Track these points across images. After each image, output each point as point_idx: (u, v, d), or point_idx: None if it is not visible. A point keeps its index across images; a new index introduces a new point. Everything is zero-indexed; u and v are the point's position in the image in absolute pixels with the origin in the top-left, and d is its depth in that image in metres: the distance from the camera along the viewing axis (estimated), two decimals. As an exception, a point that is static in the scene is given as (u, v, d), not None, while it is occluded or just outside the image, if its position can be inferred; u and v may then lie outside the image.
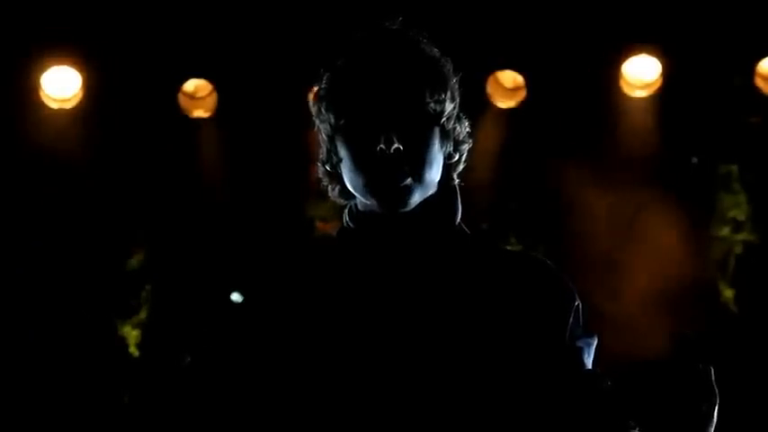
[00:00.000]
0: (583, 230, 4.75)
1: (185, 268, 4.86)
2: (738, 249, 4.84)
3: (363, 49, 1.79)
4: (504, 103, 4.68)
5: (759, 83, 4.60)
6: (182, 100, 4.73)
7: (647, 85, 4.61)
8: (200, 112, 4.74)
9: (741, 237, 4.84)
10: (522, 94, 4.65)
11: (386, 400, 1.74)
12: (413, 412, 1.74)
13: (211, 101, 4.72)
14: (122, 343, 4.85)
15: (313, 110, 1.82)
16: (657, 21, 4.58)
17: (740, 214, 4.84)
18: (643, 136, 4.73)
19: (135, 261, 4.88)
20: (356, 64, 1.78)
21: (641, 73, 4.60)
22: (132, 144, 4.79)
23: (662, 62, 4.60)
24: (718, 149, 4.80)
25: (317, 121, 1.83)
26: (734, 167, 4.80)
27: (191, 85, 4.73)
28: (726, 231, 4.84)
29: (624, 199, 4.78)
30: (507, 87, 4.68)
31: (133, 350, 4.84)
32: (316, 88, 1.82)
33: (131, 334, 4.85)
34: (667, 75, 4.62)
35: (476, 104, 4.58)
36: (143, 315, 4.87)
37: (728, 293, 4.86)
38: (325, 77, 1.81)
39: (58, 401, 4.82)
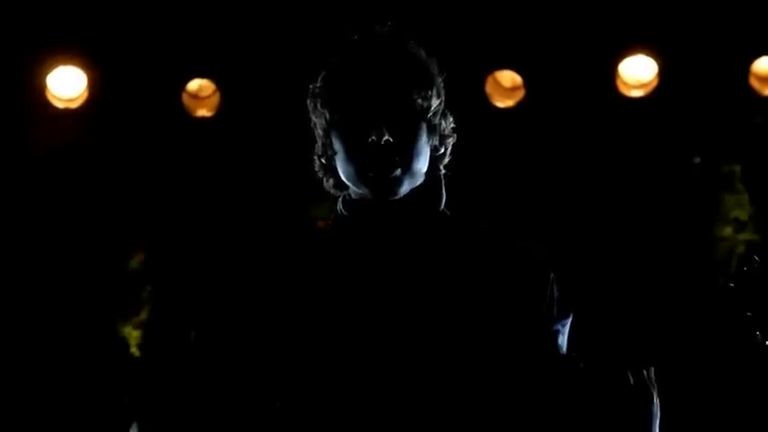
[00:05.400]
0: (582, 229, 4.90)
1: (186, 269, 4.94)
2: (741, 249, 4.96)
3: (356, 50, 2.05)
4: (503, 102, 4.87)
5: (753, 83, 4.77)
6: (185, 99, 4.88)
7: (643, 85, 4.78)
8: (203, 112, 4.90)
9: (744, 237, 4.98)
10: (520, 94, 4.83)
11: (371, 375, 1.99)
12: (397, 390, 1.99)
13: (214, 100, 4.89)
14: (123, 343, 4.99)
15: (309, 106, 2.08)
16: (655, 20, 4.74)
17: (743, 214, 4.98)
18: (644, 135, 4.88)
19: (136, 261, 5.02)
20: (349, 64, 2.04)
21: (638, 73, 4.77)
22: (136, 143, 4.91)
23: (658, 62, 4.76)
24: (720, 149, 4.91)
25: (313, 117, 2.08)
26: (737, 167, 4.94)
27: (194, 84, 4.89)
28: (728, 231, 4.97)
29: (624, 197, 4.94)
30: (506, 87, 4.86)
31: (134, 350, 4.98)
32: (311, 86, 2.08)
33: (132, 334, 5.00)
34: (665, 74, 4.78)
35: (474, 104, 4.76)
36: (144, 315, 5.01)
37: (731, 294, 5.10)
38: (320, 76, 2.07)
39: (59, 402, 4.93)
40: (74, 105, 4.89)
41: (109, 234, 5.02)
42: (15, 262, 5.01)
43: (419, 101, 2.04)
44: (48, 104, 4.89)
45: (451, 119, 2.12)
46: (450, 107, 2.14)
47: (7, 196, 5.00)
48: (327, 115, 2.06)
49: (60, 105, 4.90)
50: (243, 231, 4.94)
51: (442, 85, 2.09)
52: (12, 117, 4.92)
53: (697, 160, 5.00)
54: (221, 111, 4.94)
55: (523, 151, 4.93)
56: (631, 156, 4.95)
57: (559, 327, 2.09)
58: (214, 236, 4.97)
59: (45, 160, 4.99)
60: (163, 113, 4.93)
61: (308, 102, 2.10)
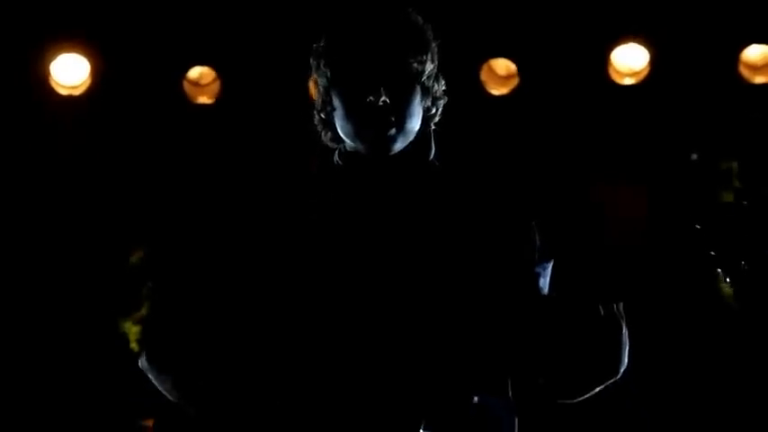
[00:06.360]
0: (576, 219, 4.99)
1: (187, 264, 5.24)
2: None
3: (357, 14, 2.22)
4: (498, 90, 4.99)
5: (743, 71, 4.87)
6: (186, 87, 4.99)
7: (635, 73, 4.89)
8: (203, 99, 5.02)
9: (740, 232, 5.19)
10: (514, 82, 4.95)
11: (360, 316, 2.15)
12: (385, 329, 2.14)
13: (215, 88, 5.00)
14: (123, 339, 5.05)
15: (312, 65, 2.24)
16: (646, 9, 4.84)
17: (740, 210, 5.23)
18: (636, 123, 4.98)
19: (136, 257, 5.09)
20: (350, 28, 2.20)
21: (630, 61, 4.88)
22: (137, 130, 5.00)
23: (650, 50, 4.87)
24: (717, 145, 4.97)
25: (316, 75, 2.24)
26: (734, 164, 4.97)
27: (195, 72, 5.00)
28: (725, 227, 5.19)
29: (620, 189, 5.04)
30: (500, 75, 4.98)
31: (134, 346, 5.03)
32: (315, 46, 2.24)
33: (132, 330, 5.06)
34: (657, 63, 4.88)
35: (470, 92, 4.87)
36: (144, 311, 5.06)
37: (729, 290, 5.18)
38: (323, 38, 2.23)
39: (60, 397, 5.01)
40: (77, 92, 5.01)
41: (109, 225, 5.11)
42: (15, 255, 5.09)
43: (414, 65, 2.20)
44: (51, 92, 5.00)
45: (443, 81, 2.28)
46: (446, 95, 2.29)
47: (9, 186, 5.10)
48: (329, 74, 2.22)
49: (63, 92, 5.01)
50: (243, 220, 5.08)
51: (436, 49, 2.25)
52: (15, 104, 5.01)
53: (694, 157, 5.08)
54: (221, 98, 5.05)
55: (518, 138, 5.03)
56: (624, 143, 5.05)
57: (541, 270, 2.25)
58: (214, 224, 5.13)
59: (48, 147, 5.08)
60: (164, 100, 5.03)
61: (311, 60, 2.25)
